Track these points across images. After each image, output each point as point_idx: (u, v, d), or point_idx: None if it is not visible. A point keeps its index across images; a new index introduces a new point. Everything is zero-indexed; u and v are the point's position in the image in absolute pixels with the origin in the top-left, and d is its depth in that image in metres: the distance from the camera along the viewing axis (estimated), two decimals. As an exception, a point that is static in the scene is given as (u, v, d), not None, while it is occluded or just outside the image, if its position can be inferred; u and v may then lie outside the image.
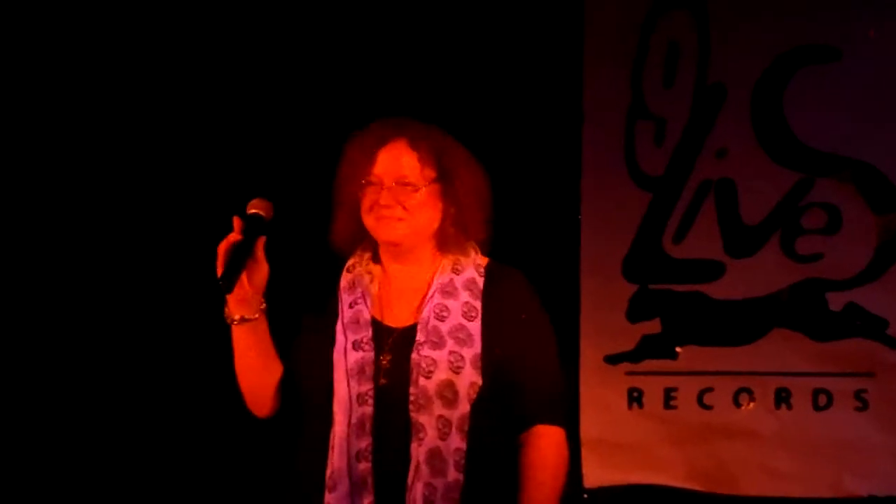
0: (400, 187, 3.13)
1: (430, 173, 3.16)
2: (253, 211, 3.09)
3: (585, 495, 5.08)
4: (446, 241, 3.20)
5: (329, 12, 5.19)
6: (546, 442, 3.13)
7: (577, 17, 5.12)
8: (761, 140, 5.00)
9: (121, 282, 5.21)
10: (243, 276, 3.04)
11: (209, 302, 4.74)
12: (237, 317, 3.11)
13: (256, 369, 3.18)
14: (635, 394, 5.08)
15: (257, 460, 4.99)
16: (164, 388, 5.17)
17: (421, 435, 3.03)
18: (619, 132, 5.11)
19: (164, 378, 5.17)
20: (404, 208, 3.13)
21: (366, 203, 3.16)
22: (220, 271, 3.02)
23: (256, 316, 3.11)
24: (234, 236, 3.04)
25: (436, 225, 3.18)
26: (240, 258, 3.02)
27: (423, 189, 3.14)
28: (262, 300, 3.12)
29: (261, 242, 3.07)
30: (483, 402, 3.08)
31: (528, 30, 5.11)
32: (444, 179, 3.17)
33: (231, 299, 3.09)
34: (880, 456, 4.87)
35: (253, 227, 3.07)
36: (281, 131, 5.16)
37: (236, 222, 3.06)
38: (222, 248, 3.04)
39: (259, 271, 3.08)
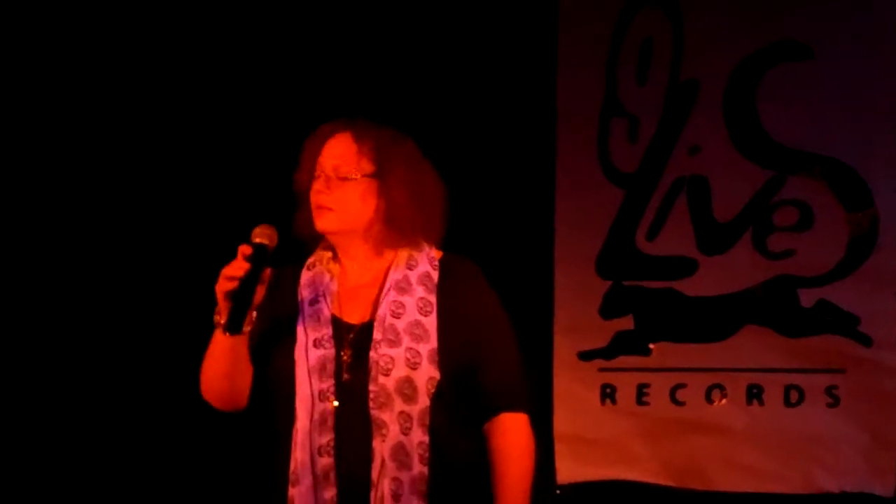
0: (334, 176, 3.17)
1: (367, 167, 3.18)
2: (258, 240, 3.08)
3: (558, 491, 5.10)
4: (381, 237, 3.21)
5: (302, 15, 5.20)
6: (513, 430, 3.17)
7: (551, 14, 5.13)
8: (734, 137, 5.02)
9: (111, 282, 5.25)
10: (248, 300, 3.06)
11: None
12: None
13: (231, 373, 3.19)
14: (608, 390, 5.09)
15: (225, 456, 5.00)
16: (128, 386, 5.21)
17: (384, 431, 3.07)
18: (593, 129, 5.14)
19: (128, 376, 5.21)
20: (335, 198, 3.16)
21: (311, 192, 3.21)
22: (223, 312, 3.04)
23: (249, 329, 3.14)
24: (232, 272, 3.04)
25: (366, 219, 3.19)
26: (247, 296, 3.02)
27: (356, 181, 3.17)
28: (254, 313, 3.14)
29: (266, 273, 3.09)
30: (442, 395, 3.12)
31: (503, 27, 5.13)
32: (381, 176, 3.18)
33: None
34: (851, 452, 4.87)
35: (258, 257, 3.06)
36: (267, 133, 5.17)
37: (242, 251, 3.06)
38: (222, 287, 3.04)
39: (258, 295, 3.10)
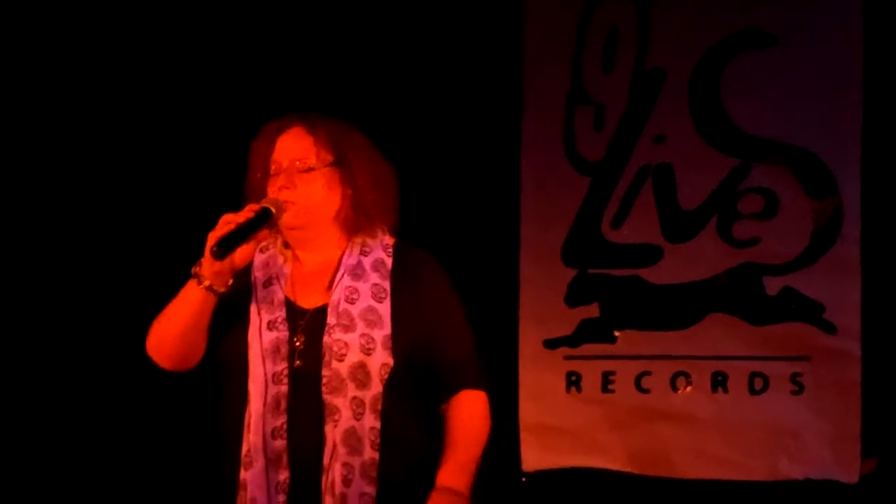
0: (296, 169, 3.20)
1: (327, 157, 3.23)
2: (266, 205, 3.15)
3: (524, 479, 5.11)
4: (348, 224, 3.25)
5: (273, 13, 5.19)
6: (470, 404, 3.21)
7: (517, 2, 5.12)
8: (699, 126, 5.02)
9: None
10: (234, 253, 3.08)
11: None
12: (207, 283, 3.12)
13: (191, 330, 3.17)
14: (574, 378, 5.10)
15: (177, 439, 5.00)
16: (81, 371, 5.20)
17: (336, 416, 3.10)
18: (559, 117, 5.14)
19: (80, 361, 5.20)
20: (299, 190, 3.18)
21: (269, 190, 3.22)
22: (215, 236, 3.05)
23: (222, 291, 3.13)
24: (233, 217, 3.09)
25: (335, 208, 3.24)
26: (243, 235, 3.07)
27: (319, 171, 3.21)
28: (231, 280, 3.14)
29: (263, 233, 3.13)
30: (395, 381, 3.15)
31: (469, 15, 5.12)
32: (342, 164, 3.23)
33: (211, 265, 3.09)
34: (815, 439, 4.89)
35: (261, 216, 3.11)
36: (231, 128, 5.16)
37: (250, 207, 3.12)
38: (229, 218, 3.08)
39: (247, 255, 3.12)
